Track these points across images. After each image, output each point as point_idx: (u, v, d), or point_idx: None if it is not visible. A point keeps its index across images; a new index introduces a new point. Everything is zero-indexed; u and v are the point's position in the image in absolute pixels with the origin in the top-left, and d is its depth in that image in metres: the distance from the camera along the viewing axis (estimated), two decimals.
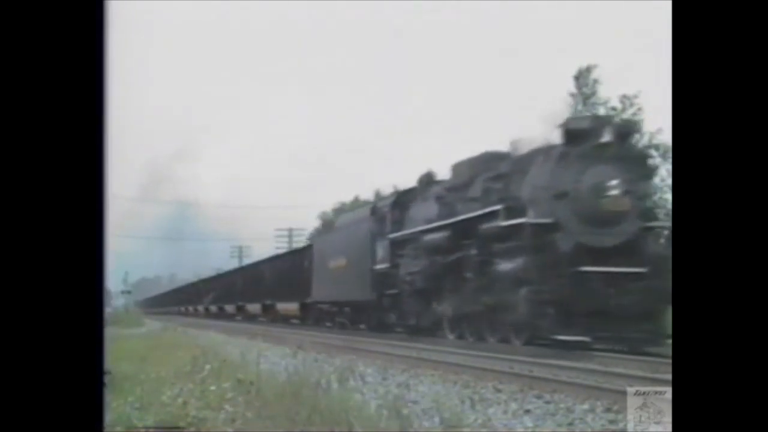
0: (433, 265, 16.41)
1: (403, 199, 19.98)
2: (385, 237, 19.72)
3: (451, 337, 15.79)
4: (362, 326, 23.08)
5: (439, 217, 16.63)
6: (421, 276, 17.04)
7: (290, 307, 30.82)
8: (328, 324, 25.46)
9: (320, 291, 25.98)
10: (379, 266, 19.85)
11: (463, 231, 15.20)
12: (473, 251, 14.79)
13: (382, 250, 19.95)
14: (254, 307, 38.17)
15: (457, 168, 17.19)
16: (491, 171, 15.25)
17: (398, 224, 19.31)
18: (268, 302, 35.15)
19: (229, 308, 45.70)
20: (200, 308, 55.60)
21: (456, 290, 15.54)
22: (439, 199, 17.21)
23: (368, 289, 20.44)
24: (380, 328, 20.34)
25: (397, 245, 18.94)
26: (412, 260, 17.80)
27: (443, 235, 15.96)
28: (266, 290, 36.06)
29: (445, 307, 16.01)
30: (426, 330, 17.23)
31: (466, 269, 15.03)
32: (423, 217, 17.63)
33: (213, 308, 51.23)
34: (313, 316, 27.51)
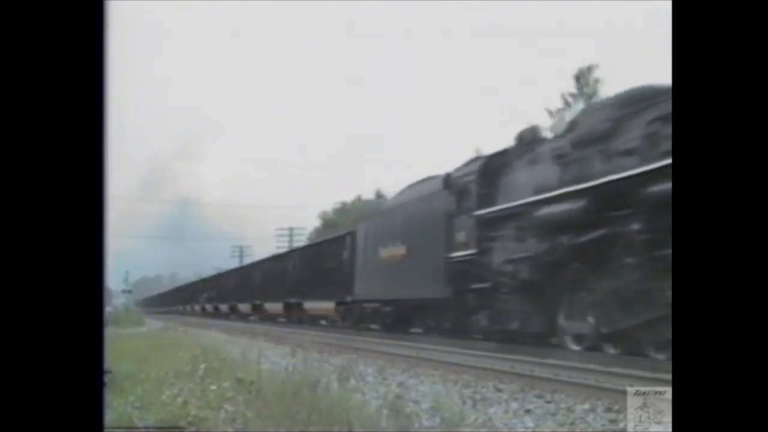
0: (553, 249, 12.08)
1: (494, 164, 15.22)
2: (469, 215, 15.22)
3: (576, 348, 11.51)
4: (417, 330, 18.77)
5: (562, 183, 12.08)
6: (529, 264, 12.79)
7: (322, 306, 26.56)
8: (374, 326, 21.40)
9: (366, 287, 21.29)
10: (458, 253, 15.45)
11: (612, 198, 10.61)
12: (634, 226, 10.28)
13: (463, 232, 15.41)
14: (274, 307, 34.06)
15: (591, 113, 12.82)
16: (657, 110, 10.43)
17: (488, 197, 14.74)
18: (292, 300, 30.90)
19: (243, 307, 41.36)
20: (208, 307, 52.79)
21: (592, 283, 11.18)
22: (560, 158, 12.57)
23: (441, 284, 15.96)
24: (457, 332, 15.69)
25: (487, 225, 14.57)
26: (513, 244, 13.54)
27: (573, 206, 11.45)
28: (290, 287, 31.55)
29: (571, 307, 11.81)
30: (535, 338, 12.95)
31: (618, 253, 10.61)
32: (531, 185, 13.20)
33: (223, 307, 47.34)
34: (353, 317, 23.23)
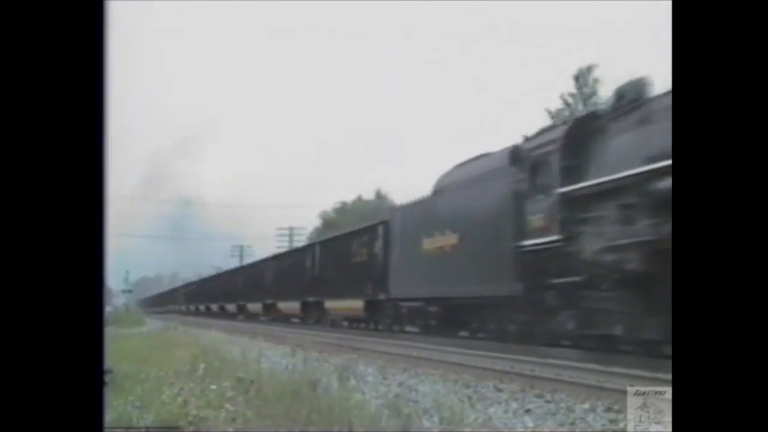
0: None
1: (583, 129, 12.38)
2: (548, 193, 12.47)
3: None
4: (458, 333, 16.24)
5: None
6: (641, 252, 10.05)
7: (348, 305, 23.89)
8: (411, 329, 18.87)
9: (404, 283, 18.52)
10: (533, 241, 12.75)
11: None
12: None
13: (540, 215, 12.67)
14: (289, 306, 31.34)
15: None
16: None
17: (576, 170, 11.88)
18: (310, 299, 28.20)
19: (253, 307, 38.72)
20: (214, 307, 50.86)
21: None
22: None
23: (507, 278, 13.36)
24: (528, 337, 13.00)
25: (575, 205, 11.73)
26: (617, 227, 10.60)
27: None
28: (309, 285, 28.71)
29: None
30: (648, 346, 10.17)
31: None
32: (641, 152, 10.38)
33: (230, 307, 44.89)
34: (387, 317, 20.63)
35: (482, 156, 16.53)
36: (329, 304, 26.09)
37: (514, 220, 13.39)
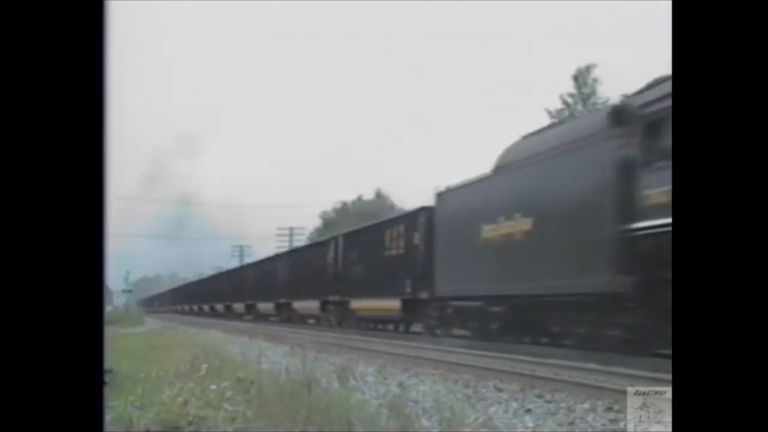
0: None
1: None
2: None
3: None
4: (536, 340, 13.59)
5: None
6: None
7: (379, 305, 21.02)
8: (461, 334, 15.95)
9: (456, 280, 15.71)
10: (649, 223, 9.84)
11: None
12: None
13: (662, 188, 9.50)
14: (306, 305, 28.72)
15: None
16: None
17: None
18: (332, 299, 25.40)
19: (264, 307, 35.74)
20: (219, 307, 48.87)
21: None
22: None
23: (610, 271, 10.60)
24: (640, 345, 10.38)
25: None
26: None
27: None
28: (329, 283, 25.81)
29: None
30: None
31: None
32: None
33: (238, 307, 42.57)
34: (430, 318, 17.84)
35: (556, 125, 14.01)
36: (356, 303, 23.28)
37: (619, 196, 10.58)
